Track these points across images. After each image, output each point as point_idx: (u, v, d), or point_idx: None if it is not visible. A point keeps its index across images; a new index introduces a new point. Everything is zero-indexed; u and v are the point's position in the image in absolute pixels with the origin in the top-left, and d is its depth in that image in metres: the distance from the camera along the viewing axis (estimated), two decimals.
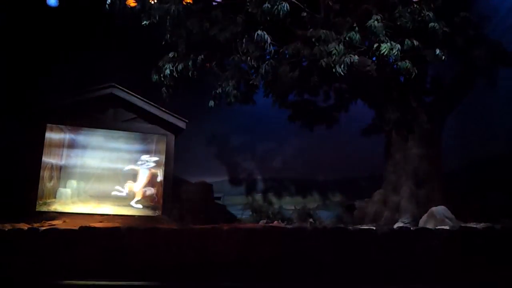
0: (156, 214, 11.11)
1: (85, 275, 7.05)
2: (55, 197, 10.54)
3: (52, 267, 7.23)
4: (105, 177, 11.04)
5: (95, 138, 11.08)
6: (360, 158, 13.80)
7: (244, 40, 9.12)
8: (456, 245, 7.08)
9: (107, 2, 9.44)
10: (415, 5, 8.77)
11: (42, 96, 11.20)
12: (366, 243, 7.36)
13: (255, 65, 9.35)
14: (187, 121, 11.72)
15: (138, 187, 11.21)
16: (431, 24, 8.64)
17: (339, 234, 7.60)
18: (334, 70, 8.65)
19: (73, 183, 10.71)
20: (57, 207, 10.48)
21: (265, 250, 7.42)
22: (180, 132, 11.88)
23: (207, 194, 12.90)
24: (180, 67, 9.77)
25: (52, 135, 10.74)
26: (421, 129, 10.26)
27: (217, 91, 9.88)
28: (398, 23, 8.80)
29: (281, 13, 8.41)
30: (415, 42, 8.69)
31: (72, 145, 10.89)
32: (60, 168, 10.68)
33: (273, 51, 9.26)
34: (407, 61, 8.78)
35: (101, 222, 9.56)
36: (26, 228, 7.97)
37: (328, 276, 7.08)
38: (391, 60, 9.31)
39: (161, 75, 9.92)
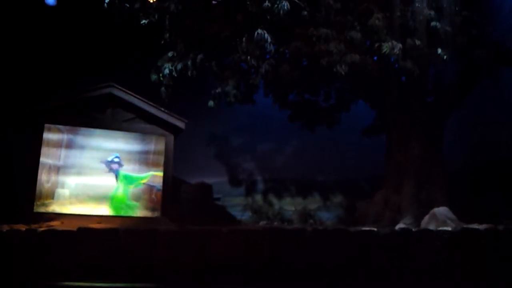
0: (155, 215, 11.03)
1: (84, 277, 6.99)
2: (53, 198, 10.45)
3: (50, 269, 7.17)
4: (103, 178, 10.94)
5: (93, 138, 10.98)
6: (361, 158, 13.75)
7: (244, 39, 9.06)
8: (458, 246, 7.00)
9: (106, 1, 9.38)
10: (417, 4, 8.71)
11: (40, 95, 11.12)
12: (367, 245, 7.29)
13: (255, 65, 9.30)
14: (186, 121, 11.63)
15: None
16: (433, 23, 8.59)
17: (340, 235, 7.53)
18: (335, 69, 8.61)
19: (71, 184, 10.63)
20: (55, 208, 10.38)
21: (265, 252, 7.35)
22: (180, 132, 11.80)
23: (207, 195, 12.82)
24: (179, 66, 9.74)
25: (50, 135, 10.64)
26: (422, 129, 10.20)
27: (217, 91, 9.84)
28: (400, 22, 8.73)
29: (281, 12, 8.37)
30: (417, 42, 8.64)
31: (70, 146, 10.79)
32: (58, 169, 10.60)
33: (273, 50, 9.19)
34: (408, 60, 8.72)
35: (99, 223, 9.47)
36: (24, 229, 7.91)
37: (329, 278, 7.01)
38: (392, 60, 9.28)
39: (160, 75, 9.90)
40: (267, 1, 8.40)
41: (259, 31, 8.62)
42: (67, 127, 10.83)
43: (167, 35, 9.83)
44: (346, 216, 12.28)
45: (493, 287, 6.53)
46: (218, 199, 14.02)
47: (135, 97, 11.30)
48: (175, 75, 9.81)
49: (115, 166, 11.07)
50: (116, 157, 11.08)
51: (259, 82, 9.89)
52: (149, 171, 11.32)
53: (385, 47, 8.50)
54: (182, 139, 12.10)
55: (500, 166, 11.58)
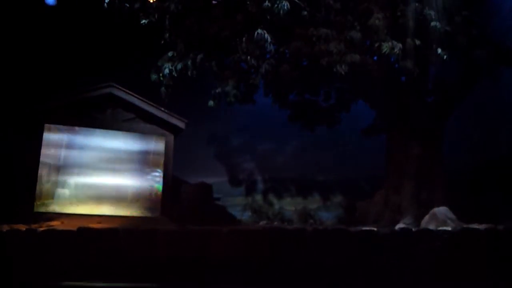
0: (155, 215, 11.03)
1: (84, 277, 6.98)
2: (53, 198, 10.46)
3: (50, 269, 7.16)
4: (103, 178, 10.94)
5: (93, 138, 11.00)
6: (361, 158, 13.75)
7: (244, 39, 9.05)
8: (458, 246, 7.00)
9: (106, 1, 9.37)
10: (417, 4, 8.70)
11: (40, 95, 11.12)
12: (367, 245, 7.28)
13: (255, 65, 9.29)
14: (186, 121, 11.64)
15: None
16: (433, 23, 8.57)
17: (340, 235, 7.52)
18: (334, 69, 8.60)
19: (71, 183, 10.63)
20: (55, 208, 10.39)
21: (265, 252, 7.34)
22: (180, 132, 11.80)
23: (207, 195, 12.83)
24: (179, 66, 9.72)
25: (50, 136, 10.65)
26: (422, 129, 10.18)
27: (217, 91, 9.83)
28: (400, 22, 8.72)
29: (281, 12, 8.35)
30: (417, 42, 8.62)
31: (70, 146, 10.80)
32: (58, 169, 10.60)
33: (273, 50, 9.19)
34: (408, 60, 8.70)
35: (99, 223, 9.48)
36: (24, 229, 7.91)
37: (329, 278, 7.01)
38: (392, 60, 9.26)
39: (160, 75, 9.88)
40: (267, 1, 8.39)
41: (259, 31, 8.61)
42: (67, 127, 10.84)
43: (167, 35, 9.82)
44: (346, 216, 12.28)
45: (493, 287, 6.52)
46: (218, 199, 14.02)
47: (135, 97, 11.30)
48: (175, 75, 9.80)
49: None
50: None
51: (259, 82, 9.88)
52: (149, 171, 11.33)
53: (385, 47, 8.48)
54: (182, 139, 12.09)
55: (500, 166, 11.58)
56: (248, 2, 8.81)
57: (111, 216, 10.50)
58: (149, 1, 9.66)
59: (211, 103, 9.95)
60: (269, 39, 8.68)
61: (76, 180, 10.68)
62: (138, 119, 11.48)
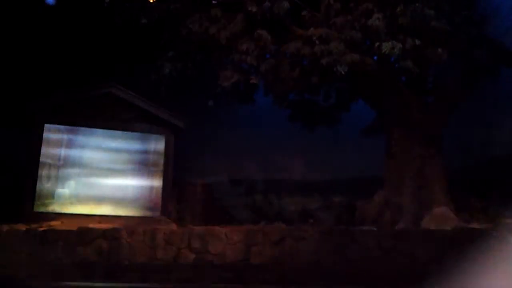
0: (155, 215, 11.01)
1: (83, 277, 6.99)
2: (53, 198, 10.44)
3: (50, 269, 7.17)
4: (103, 178, 10.94)
5: (93, 138, 10.99)
6: (361, 158, 13.74)
7: (244, 39, 9.05)
8: (458, 246, 7.02)
9: (106, 0, 9.38)
10: (417, 4, 8.70)
11: (40, 95, 11.10)
12: (367, 245, 7.30)
13: (255, 64, 9.29)
14: (186, 120, 11.63)
15: None
16: (433, 23, 8.57)
17: (340, 235, 7.54)
18: (334, 69, 8.60)
19: (71, 183, 10.63)
20: (55, 208, 10.36)
21: (265, 252, 7.35)
22: (180, 132, 11.78)
23: (207, 195, 12.82)
24: (179, 66, 9.72)
25: (50, 135, 10.63)
26: (422, 129, 10.19)
27: (217, 91, 9.83)
28: (400, 22, 8.72)
29: (281, 12, 8.35)
30: (417, 41, 8.63)
31: (70, 145, 10.79)
32: (58, 169, 10.59)
33: (273, 50, 9.19)
34: (408, 60, 8.71)
35: (100, 223, 9.47)
36: (24, 229, 7.92)
37: (329, 277, 7.02)
38: (392, 59, 9.27)
39: (160, 74, 9.87)
40: (267, 1, 8.41)
41: (259, 31, 8.62)
42: (67, 127, 10.82)
43: (167, 35, 9.82)
44: (346, 216, 12.26)
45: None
46: (218, 199, 14.01)
47: (135, 96, 11.28)
48: (175, 75, 9.81)
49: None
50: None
51: (259, 81, 9.89)
52: (149, 171, 11.32)
53: (385, 47, 8.49)
54: (183, 139, 12.09)
55: (500, 165, 11.59)
56: (248, 2, 8.82)
57: (111, 216, 10.49)
58: (149, 1, 9.66)
59: (211, 103, 9.96)
60: (269, 39, 8.69)
61: (76, 180, 10.67)
62: (138, 119, 11.45)
